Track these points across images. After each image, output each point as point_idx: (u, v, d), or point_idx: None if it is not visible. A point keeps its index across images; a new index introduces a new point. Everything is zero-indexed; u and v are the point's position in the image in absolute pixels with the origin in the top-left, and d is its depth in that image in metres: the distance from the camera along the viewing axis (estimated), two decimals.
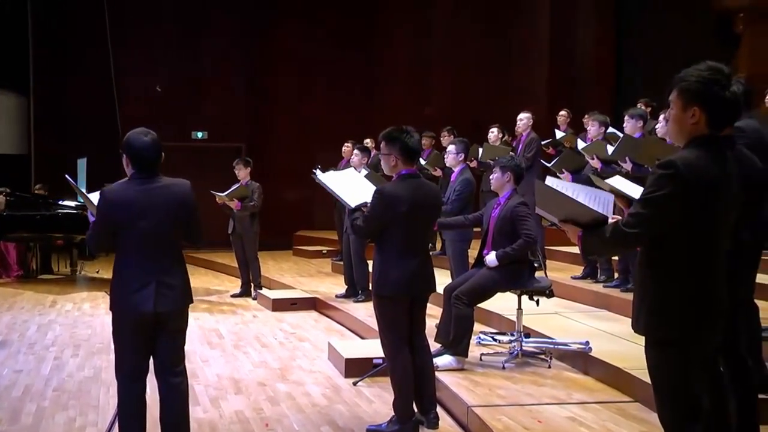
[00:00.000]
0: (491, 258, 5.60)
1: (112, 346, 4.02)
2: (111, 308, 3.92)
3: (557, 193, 3.05)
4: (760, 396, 3.92)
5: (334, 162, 10.50)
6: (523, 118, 9.13)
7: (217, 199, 9.31)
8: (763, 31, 12.74)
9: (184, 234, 3.97)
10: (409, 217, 4.37)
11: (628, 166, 6.72)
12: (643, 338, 2.86)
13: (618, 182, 4.00)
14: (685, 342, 2.74)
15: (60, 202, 10.96)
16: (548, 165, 8.22)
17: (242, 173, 9.52)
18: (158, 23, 14.69)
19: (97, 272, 11.93)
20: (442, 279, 4.98)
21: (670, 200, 2.67)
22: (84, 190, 4.74)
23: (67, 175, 5.22)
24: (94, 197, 4.12)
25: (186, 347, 4.04)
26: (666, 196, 2.67)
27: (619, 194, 3.38)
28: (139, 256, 3.82)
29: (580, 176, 7.70)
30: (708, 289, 2.75)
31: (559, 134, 9.99)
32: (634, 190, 3.69)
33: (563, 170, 7.83)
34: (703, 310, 2.74)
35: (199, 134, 15.18)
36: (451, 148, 6.86)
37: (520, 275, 5.61)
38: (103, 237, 3.91)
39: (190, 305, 4.03)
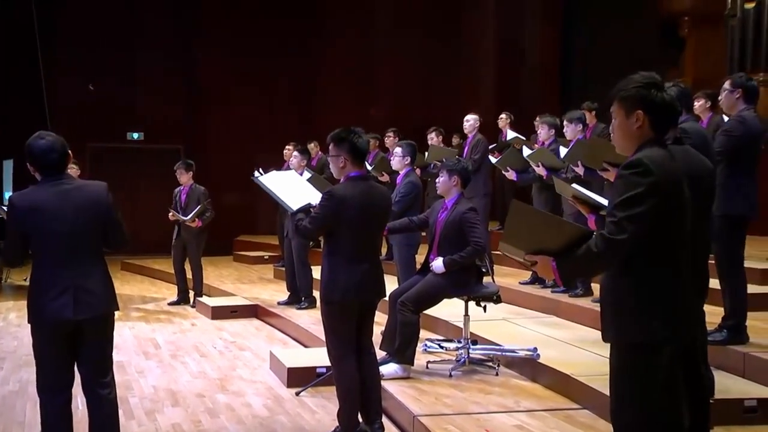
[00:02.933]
0: (438, 264, 5.61)
1: None
2: (29, 319, 3.82)
3: (532, 213, 2.97)
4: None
5: (276, 164, 10.41)
6: (471, 119, 9.17)
7: (170, 216, 9.17)
8: (707, 34, 13.10)
9: (104, 238, 3.89)
10: (359, 220, 4.35)
11: (580, 170, 6.80)
12: (592, 345, 2.87)
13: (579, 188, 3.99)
14: (654, 350, 2.75)
15: None
16: (493, 161, 8.27)
17: (184, 178, 9.38)
18: (91, 18, 14.36)
19: (25, 280, 11.60)
20: (389, 285, 4.98)
21: (648, 197, 2.69)
22: (10, 192, 4.62)
23: None
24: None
25: (121, 358, 3.97)
26: (642, 195, 2.69)
27: (582, 200, 3.37)
28: (55, 261, 3.75)
29: (526, 175, 7.75)
30: (676, 296, 2.77)
31: (510, 135, 10.08)
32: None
33: (507, 168, 7.87)
34: (678, 313, 2.77)
35: (135, 135, 14.90)
36: (397, 150, 6.86)
37: (466, 281, 5.63)
38: (15, 245, 3.82)
39: (122, 313, 3.95)
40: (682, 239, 2.79)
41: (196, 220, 9.18)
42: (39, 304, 3.76)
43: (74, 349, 3.81)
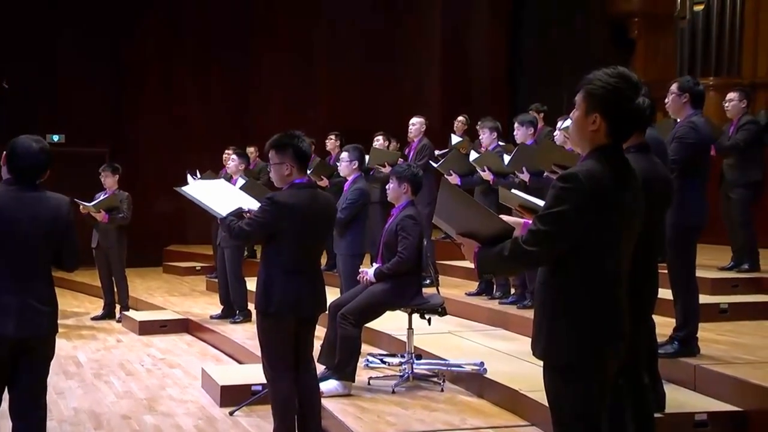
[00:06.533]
0: (369, 274, 5.68)
1: None
2: None
3: (463, 197, 3.01)
4: (657, 414, 4.10)
5: (210, 168, 10.31)
6: (416, 123, 9.20)
7: (81, 209, 8.98)
8: (657, 36, 13.44)
9: (56, 255, 3.84)
10: (301, 230, 4.35)
11: (525, 176, 6.88)
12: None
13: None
14: (585, 369, 2.78)
15: None
16: (434, 165, 8.33)
17: (110, 181, 9.26)
18: (5, 7, 13.93)
19: None
20: (330, 297, 4.98)
21: (571, 216, 2.70)
22: None
23: None
24: None
25: None
26: (566, 212, 2.70)
27: (529, 208, 3.41)
28: (3, 273, 3.67)
29: (470, 180, 7.82)
30: (610, 312, 2.79)
31: (455, 139, 10.16)
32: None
33: (450, 172, 7.93)
34: (605, 336, 2.78)
35: (55, 137, 14.54)
36: (344, 155, 6.82)
37: (405, 290, 5.65)
38: None
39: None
40: (616, 257, 2.80)
41: (102, 211, 9.00)
42: None
43: (8, 370, 3.72)
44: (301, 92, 15.08)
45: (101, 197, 9.17)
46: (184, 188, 4.87)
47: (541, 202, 3.56)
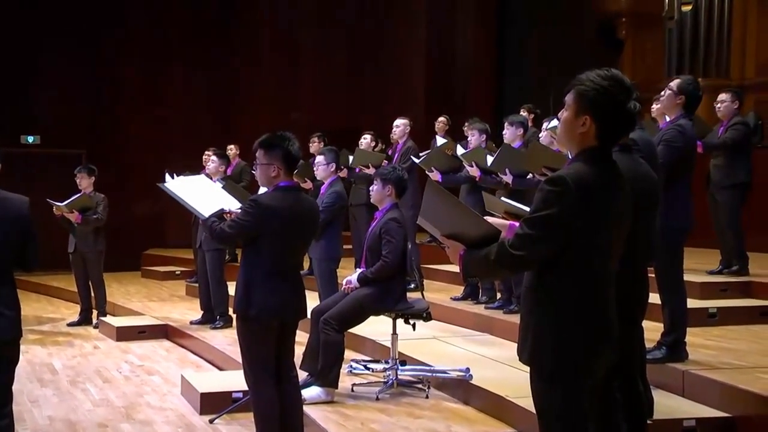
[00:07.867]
0: (354, 279, 5.69)
1: None
2: None
3: (449, 199, 3.02)
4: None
5: (195, 170, 10.26)
6: (400, 125, 9.21)
7: (54, 210, 8.94)
8: (645, 36, 13.51)
9: (18, 256, 3.81)
10: (283, 234, 4.34)
11: (508, 178, 6.90)
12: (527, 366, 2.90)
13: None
14: (573, 373, 2.78)
15: None
16: (416, 162, 8.34)
17: (85, 183, 9.23)
18: None
19: None
20: (310, 302, 4.97)
21: (558, 219, 2.70)
22: None
23: None
24: None
25: None
26: (553, 216, 2.70)
27: (515, 214, 3.41)
28: None
29: (452, 177, 7.84)
30: (598, 316, 2.80)
31: (440, 141, 10.17)
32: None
33: (432, 168, 7.95)
34: (593, 340, 2.79)
35: (30, 138, 14.47)
36: (320, 158, 6.83)
37: (389, 295, 5.65)
38: None
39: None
40: (604, 261, 2.81)
41: (75, 211, 8.96)
42: None
43: None
44: (286, 93, 15.06)
45: (76, 197, 9.13)
46: (167, 185, 4.85)
47: (526, 209, 3.57)
